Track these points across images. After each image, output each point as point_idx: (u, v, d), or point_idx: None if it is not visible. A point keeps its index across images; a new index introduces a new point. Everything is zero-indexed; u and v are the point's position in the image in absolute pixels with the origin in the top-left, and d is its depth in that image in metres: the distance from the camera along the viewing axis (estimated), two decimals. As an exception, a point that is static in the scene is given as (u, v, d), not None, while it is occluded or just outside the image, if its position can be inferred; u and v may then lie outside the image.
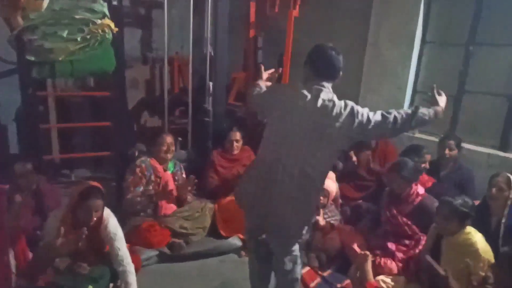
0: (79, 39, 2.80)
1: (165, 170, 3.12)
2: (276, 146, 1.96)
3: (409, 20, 3.91)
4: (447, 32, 3.89)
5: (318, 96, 1.95)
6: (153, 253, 2.85)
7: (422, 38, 3.97)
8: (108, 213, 2.36)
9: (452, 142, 3.18)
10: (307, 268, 2.80)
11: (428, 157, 3.18)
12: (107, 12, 2.91)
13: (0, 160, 3.19)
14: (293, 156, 1.91)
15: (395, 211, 2.74)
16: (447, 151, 3.17)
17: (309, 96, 1.96)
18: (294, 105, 1.95)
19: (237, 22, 4.70)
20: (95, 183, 2.31)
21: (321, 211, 3.02)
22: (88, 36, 2.82)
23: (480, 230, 2.30)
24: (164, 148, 3.05)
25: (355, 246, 2.77)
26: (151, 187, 3.02)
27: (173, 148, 3.12)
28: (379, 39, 4.13)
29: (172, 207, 3.12)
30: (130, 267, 2.35)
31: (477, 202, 2.56)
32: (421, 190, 2.76)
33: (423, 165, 3.09)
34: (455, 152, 3.19)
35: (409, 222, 2.70)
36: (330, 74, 2.05)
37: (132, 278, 2.33)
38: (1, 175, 2.67)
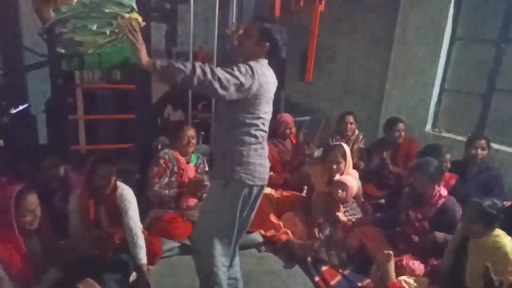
0: (108, 32, 2.84)
1: (187, 163, 3.15)
2: (264, 127, 2.02)
3: (438, 15, 3.82)
4: (477, 28, 3.78)
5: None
6: (174, 244, 2.88)
7: (451, 34, 3.87)
8: (123, 185, 2.54)
9: (483, 142, 3.08)
10: (327, 266, 2.78)
11: (447, 156, 3.10)
12: (135, 6, 2.94)
13: (30, 149, 3.29)
14: None
15: (419, 215, 2.68)
16: (479, 151, 3.07)
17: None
18: (272, 87, 2.01)
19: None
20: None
21: (341, 207, 2.99)
22: (117, 30, 2.86)
23: (509, 233, 2.23)
24: (185, 140, 3.08)
25: (376, 246, 2.73)
26: (174, 179, 3.05)
27: (194, 140, 3.14)
28: (406, 34, 4.05)
29: (194, 199, 3.16)
30: (139, 239, 2.42)
31: (508, 203, 2.49)
32: (444, 192, 2.68)
33: (444, 165, 3.02)
34: (486, 152, 3.10)
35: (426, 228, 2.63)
36: (276, 56, 2.07)
37: (138, 250, 2.38)
38: (28, 165, 2.77)
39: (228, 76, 1.77)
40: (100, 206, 2.48)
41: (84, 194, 2.43)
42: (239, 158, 1.96)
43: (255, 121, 1.96)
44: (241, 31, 2.23)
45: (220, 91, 1.77)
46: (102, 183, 2.42)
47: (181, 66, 1.70)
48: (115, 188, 2.50)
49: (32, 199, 2.07)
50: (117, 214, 2.49)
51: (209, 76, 1.73)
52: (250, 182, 1.98)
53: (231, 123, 1.96)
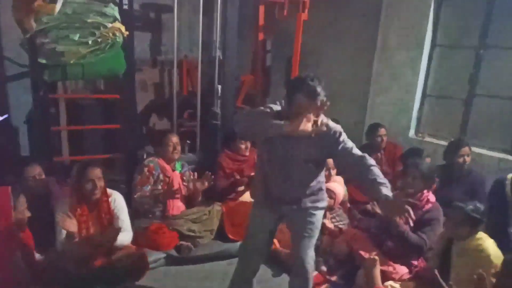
0: (90, 42, 2.83)
1: (173, 170, 3.14)
2: None
3: (418, 23, 3.89)
4: (457, 35, 3.87)
5: None
6: (161, 255, 2.86)
7: (432, 41, 3.95)
8: (114, 191, 2.60)
9: (467, 149, 3.14)
10: (315, 273, 2.77)
11: (427, 160, 3.17)
12: (118, 16, 2.93)
13: (11, 161, 3.23)
14: None
15: (404, 218, 2.70)
16: (467, 159, 3.13)
17: None
18: None
19: (246, 26, 4.72)
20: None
21: (328, 214, 3.00)
22: (99, 40, 2.84)
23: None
24: (171, 147, 3.08)
25: (362, 252, 2.74)
26: (159, 187, 3.04)
27: (179, 147, 3.14)
28: (388, 42, 4.12)
29: (180, 207, 3.13)
30: (129, 234, 2.57)
31: None
32: (432, 198, 2.72)
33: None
34: (470, 158, 3.16)
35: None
36: None
37: (125, 240, 2.52)
38: (11, 177, 2.71)
39: None
40: (90, 214, 2.46)
41: (74, 202, 2.41)
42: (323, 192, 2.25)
43: None
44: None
45: None
46: (91, 187, 2.41)
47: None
48: (106, 194, 2.50)
49: (23, 199, 2.11)
50: (107, 221, 2.49)
51: None
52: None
53: (319, 172, 2.19)
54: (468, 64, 3.75)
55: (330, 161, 3.03)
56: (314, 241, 2.23)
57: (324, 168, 2.24)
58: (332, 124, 2.06)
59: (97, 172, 2.42)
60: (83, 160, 2.54)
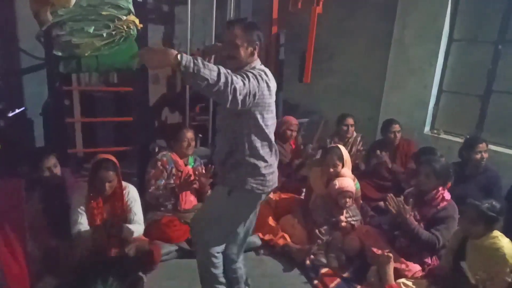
0: (105, 35, 2.85)
1: (186, 165, 3.15)
2: (271, 135, 2.01)
3: (436, 16, 3.81)
4: (475, 29, 3.78)
5: None
6: (172, 248, 2.87)
7: (449, 35, 3.87)
8: (129, 184, 2.68)
9: (484, 145, 3.09)
10: (326, 269, 2.77)
11: (442, 160, 3.11)
12: (132, 9, 2.94)
13: (26, 153, 3.27)
14: None
15: (418, 215, 2.68)
16: (484, 155, 3.08)
17: None
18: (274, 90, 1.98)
19: (260, 18, 4.68)
20: (107, 156, 2.54)
21: (344, 212, 2.98)
22: (114, 32, 2.86)
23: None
24: (185, 143, 3.09)
25: (375, 248, 2.72)
26: (172, 181, 3.05)
27: (193, 143, 3.15)
28: (405, 36, 4.05)
29: (192, 201, 3.15)
30: (140, 227, 2.62)
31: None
32: (447, 195, 2.68)
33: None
34: (487, 154, 3.10)
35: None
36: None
37: (136, 232, 2.55)
38: (26, 168, 2.76)
39: (243, 89, 1.70)
40: (104, 205, 2.54)
41: (89, 194, 2.50)
42: (251, 169, 1.95)
43: (264, 130, 1.93)
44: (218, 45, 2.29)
45: (231, 104, 1.68)
46: (102, 187, 2.48)
47: (206, 74, 1.58)
48: (121, 187, 2.56)
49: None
50: (121, 213, 2.55)
51: (229, 88, 1.64)
52: (260, 191, 2.00)
53: (239, 133, 1.92)
54: (486, 59, 3.67)
55: (344, 152, 3.02)
56: (209, 220, 2.03)
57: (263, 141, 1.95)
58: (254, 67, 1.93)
59: (108, 174, 2.46)
60: (99, 157, 2.54)
